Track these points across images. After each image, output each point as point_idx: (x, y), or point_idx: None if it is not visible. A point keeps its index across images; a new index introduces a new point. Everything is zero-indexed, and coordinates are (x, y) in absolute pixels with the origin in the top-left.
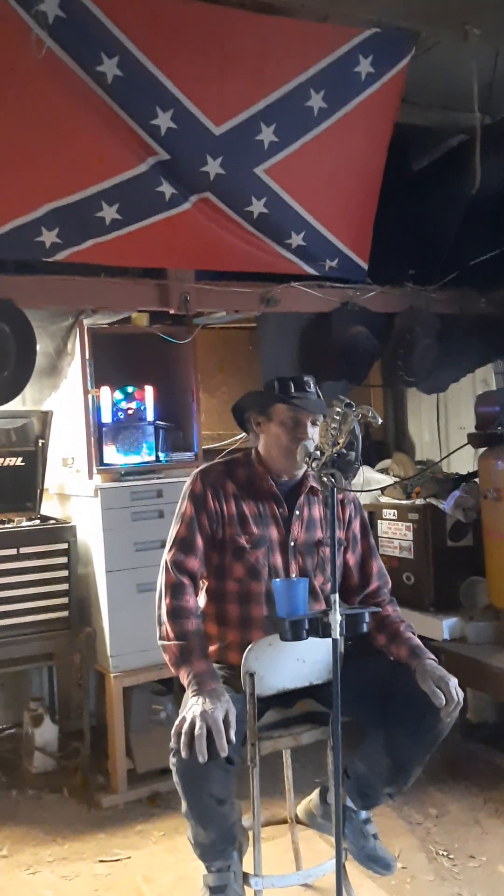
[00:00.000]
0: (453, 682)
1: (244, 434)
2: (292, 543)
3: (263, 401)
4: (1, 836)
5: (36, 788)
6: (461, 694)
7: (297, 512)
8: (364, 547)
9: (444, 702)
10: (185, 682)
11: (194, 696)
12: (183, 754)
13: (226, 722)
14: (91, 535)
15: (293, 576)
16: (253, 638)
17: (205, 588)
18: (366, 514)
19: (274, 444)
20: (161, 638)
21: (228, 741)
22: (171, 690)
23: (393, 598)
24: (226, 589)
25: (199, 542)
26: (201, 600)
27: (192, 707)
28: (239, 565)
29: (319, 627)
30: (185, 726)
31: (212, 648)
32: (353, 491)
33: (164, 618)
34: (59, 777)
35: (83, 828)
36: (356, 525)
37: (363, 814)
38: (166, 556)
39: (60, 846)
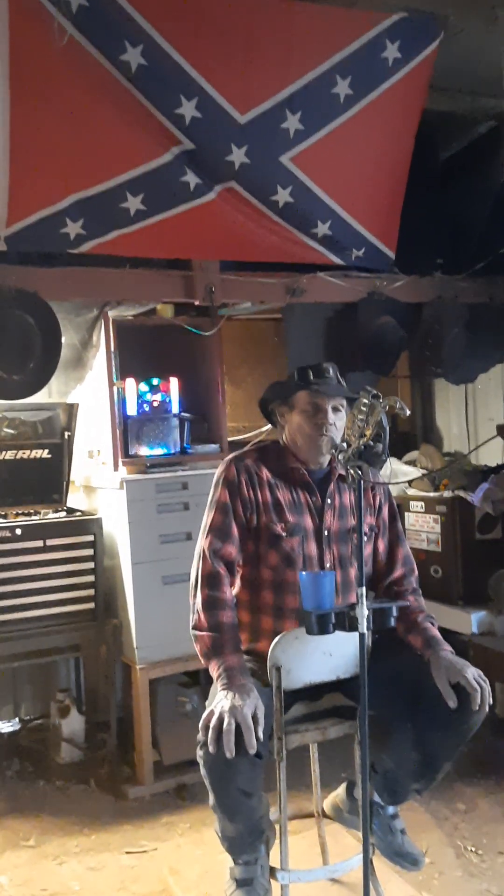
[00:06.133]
0: (471, 671)
1: (270, 426)
2: (326, 532)
3: (285, 391)
4: (28, 827)
5: (63, 779)
6: (486, 684)
7: (329, 500)
8: (392, 533)
9: (456, 703)
10: (214, 674)
11: (223, 689)
12: (210, 749)
13: (254, 718)
14: (117, 528)
15: (327, 566)
16: (286, 627)
17: (239, 575)
18: (394, 501)
19: (298, 433)
20: (194, 627)
21: (257, 738)
22: (198, 682)
23: (417, 588)
24: (261, 577)
25: (235, 529)
26: (235, 588)
27: (220, 701)
28: (274, 553)
29: (346, 621)
30: (214, 720)
31: (242, 636)
32: (382, 483)
33: (199, 607)
34: (86, 768)
35: (110, 819)
36: (385, 511)
37: (391, 809)
38: (202, 543)
39: (87, 837)
